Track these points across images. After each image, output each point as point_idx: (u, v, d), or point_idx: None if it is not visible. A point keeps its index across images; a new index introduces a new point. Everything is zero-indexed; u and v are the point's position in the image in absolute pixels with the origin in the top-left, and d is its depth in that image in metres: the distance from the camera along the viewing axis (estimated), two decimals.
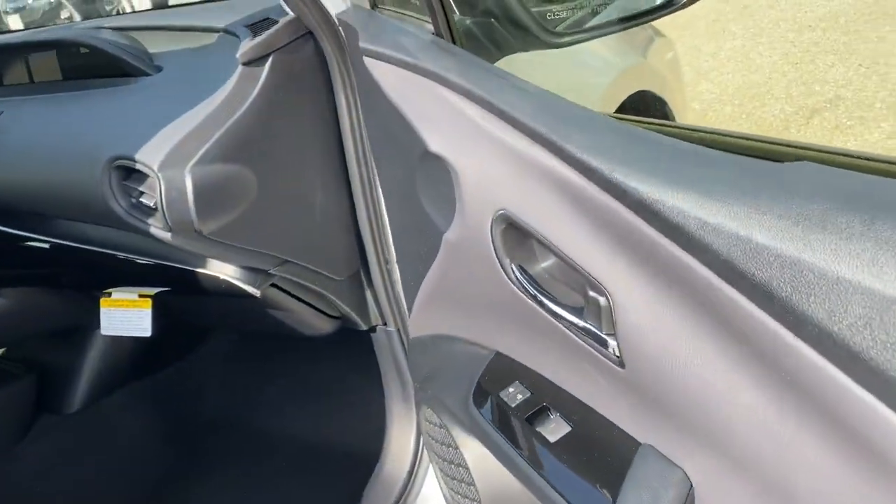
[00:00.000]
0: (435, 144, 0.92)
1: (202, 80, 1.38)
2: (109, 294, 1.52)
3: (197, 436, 2.04)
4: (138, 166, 1.20)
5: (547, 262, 0.89)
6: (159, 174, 1.17)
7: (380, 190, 1.42)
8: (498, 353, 1.04)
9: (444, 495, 1.24)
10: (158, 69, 1.53)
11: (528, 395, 0.95)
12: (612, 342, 0.78)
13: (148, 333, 1.48)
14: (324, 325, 1.54)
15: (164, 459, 1.98)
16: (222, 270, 1.35)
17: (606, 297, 0.76)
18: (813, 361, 0.55)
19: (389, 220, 1.25)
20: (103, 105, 1.48)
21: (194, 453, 2.01)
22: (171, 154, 1.18)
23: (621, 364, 0.78)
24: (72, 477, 1.87)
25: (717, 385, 0.66)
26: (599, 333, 0.79)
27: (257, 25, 1.33)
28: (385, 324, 1.54)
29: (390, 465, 1.59)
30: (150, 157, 1.19)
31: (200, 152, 1.20)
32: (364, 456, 1.66)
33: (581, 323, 0.82)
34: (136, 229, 1.28)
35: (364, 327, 1.54)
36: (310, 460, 1.88)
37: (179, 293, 1.54)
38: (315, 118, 1.36)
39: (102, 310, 1.52)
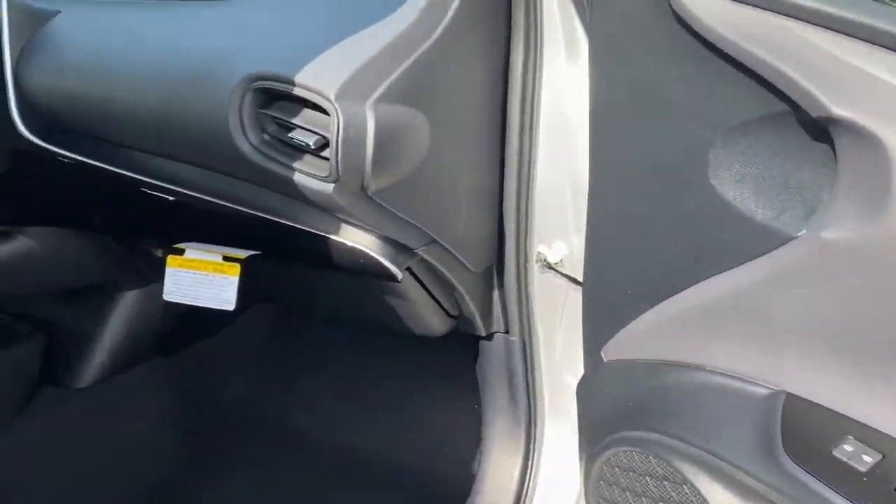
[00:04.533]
0: (839, 107, 0.66)
1: None
2: (181, 251, 1.21)
3: (217, 428, 1.73)
4: (300, 91, 0.91)
5: None
6: (337, 105, 0.88)
7: (538, 168, 1.17)
8: (789, 394, 0.80)
9: None
10: None
11: (879, 457, 0.71)
12: None
13: (231, 306, 1.17)
14: (439, 326, 1.27)
15: (175, 454, 1.67)
16: (357, 239, 1.06)
17: None
18: None
19: (595, 207, 0.99)
20: (201, 14, 1.18)
21: (212, 448, 1.70)
22: (351, 82, 0.90)
23: None
24: (67, 466, 1.54)
25: None
26: None
27: None
28: (507, 331, 1.29)
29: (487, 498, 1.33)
30: (320, 81, 0.90)
31: (385, 85, 0.92)
32: (432, 478, 1.41)
33: None
34: (265, 174, 0.99)
35: (483, 333, 1.28)
36: (358, 470, 1.59)
37: (279, 260, 1.24)
38: (486, 68, 1.09)
39: (169, 270, 1.21)
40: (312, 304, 1.51)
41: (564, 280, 1.22)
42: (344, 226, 1.06)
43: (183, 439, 1.68)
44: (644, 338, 0.93)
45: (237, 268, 1.17)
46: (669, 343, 0.90)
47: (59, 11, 1.27)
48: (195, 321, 1.74)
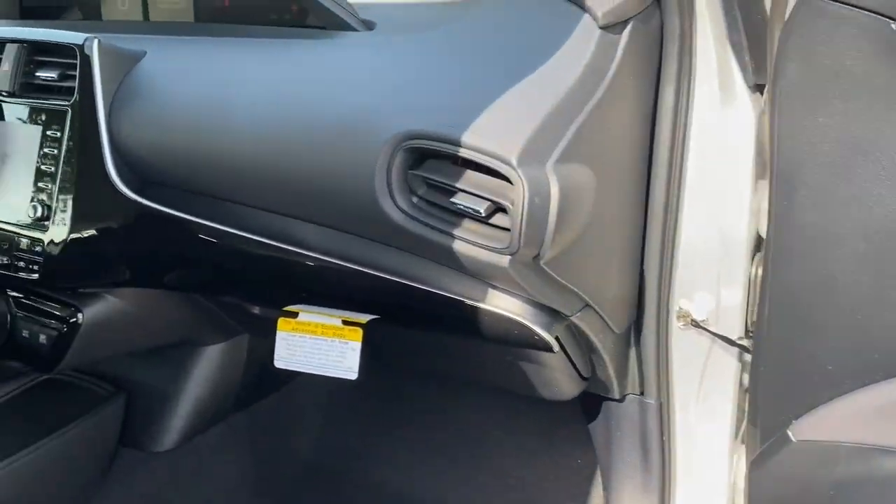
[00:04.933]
0: None
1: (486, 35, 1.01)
2: (294, 315, 1.11)
3: (296, 486, 1.63)
4: (470, 154, 0.82)
5: None
6: (520, 172, 0.79)
7: (683, 218, 1.08)
8: None
9: None
10: (368, 25, 1.14)
11: None
12: None
13: (354, 375, 1.07)
14: (570, 389, 1.17)
15: None
16: (504, 306, 0.97)
17: None
18: None
19: (784, 273, 0.89)
20: (324, 56, 1.08)
21: None
22: (531, 145, 0.81)
23: None
24: None
25: None
26: None
27: None
28: (642, 393, 1.19)
29: None
30: (497, 144, 0.81)
31: (562, 145, 0.83)
32: None
33: None
34: (412, 240, 0.90)
35: (618, 395, 1.18)
36: None
37: (405, 325, 1.14)
38: (639, 115, 1.01)
39: (281, 334, 1.11)
40: (429, 366, 1.41)
41: (708, 336, 1.13)
42: (490, 291, 0.97)
43: (262, 499, 1.58)
44: (852, 419, 0.83)
45: (359, 332, 1.07)
46: (887, 427, 0.81)
47: (145, 52, 1.17)
48: (269, 373, 1.65)
